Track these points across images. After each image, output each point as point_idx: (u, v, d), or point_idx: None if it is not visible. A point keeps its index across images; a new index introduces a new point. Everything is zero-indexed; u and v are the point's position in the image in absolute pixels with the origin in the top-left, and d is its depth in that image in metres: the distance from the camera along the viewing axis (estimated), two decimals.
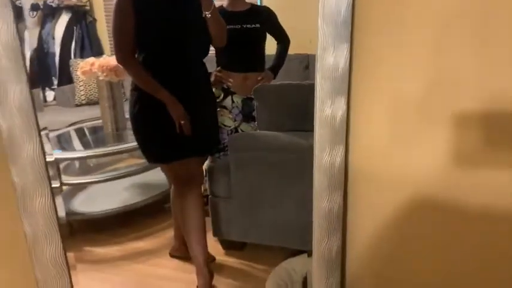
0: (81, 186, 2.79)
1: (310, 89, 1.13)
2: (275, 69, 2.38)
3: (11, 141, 0.98)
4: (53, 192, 1.05)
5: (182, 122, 1.70)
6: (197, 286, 1.87)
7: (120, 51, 1.68)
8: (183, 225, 1.93)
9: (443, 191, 1.02)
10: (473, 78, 0.94)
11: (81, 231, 2.57)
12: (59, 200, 1.24)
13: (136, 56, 1.73)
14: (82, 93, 3.94)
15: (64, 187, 2.60)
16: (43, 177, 1.02)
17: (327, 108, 1.06)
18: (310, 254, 1.20)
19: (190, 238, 1.89)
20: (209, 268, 1.90)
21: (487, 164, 0.95)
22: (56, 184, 1.14)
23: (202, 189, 2.33)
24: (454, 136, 0.98)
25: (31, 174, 1.01)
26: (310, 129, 1.18)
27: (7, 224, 1.10)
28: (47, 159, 1.05)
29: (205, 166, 2.21)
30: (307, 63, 3.60)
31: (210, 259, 2.22)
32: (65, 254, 1.08)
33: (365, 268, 1.23)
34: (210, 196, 2.19)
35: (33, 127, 1.00)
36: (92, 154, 2.64)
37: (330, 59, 1.02)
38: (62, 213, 1.18)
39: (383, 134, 1.09)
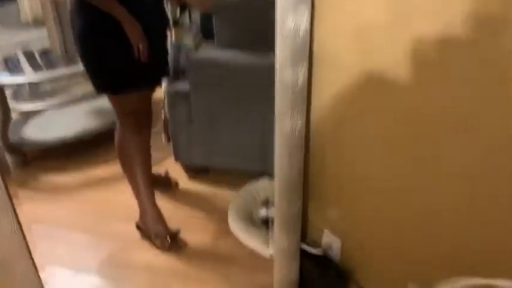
0: (33, 113, 2.63)
1: (271, 5, 1.03)
2: None
3: None
4: None
5: (140, 45, 1.50)
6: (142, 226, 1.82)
7: None
8: (128, 166, 1.75)
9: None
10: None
11: (36, 160, 2.46)
12: None
13: None
14: (27, 11, 3.62)
15: (14, 114, 2.45)
16: None
17: (289, 20, 0.97)
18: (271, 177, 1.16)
19: (138, 180, 1.74)
20: (157, 208, 1.79)
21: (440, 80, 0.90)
22: None
23: (162, 115, 2.24)
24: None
25: None
26: (271, 48, 1.09)
27: None
28: None
29: (163, 90, 2.10)
30: None
31: (173, 184, 2.18)
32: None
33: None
34: (169, 121, 2.11)
35: None
36: (44, 77, 2.45)
37: None
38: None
39: (347, 48, 1.02)
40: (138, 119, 1.67)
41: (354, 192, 1.17)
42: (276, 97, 1.06)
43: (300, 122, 1.06)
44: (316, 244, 1.31)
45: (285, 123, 1.06)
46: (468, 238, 0.97)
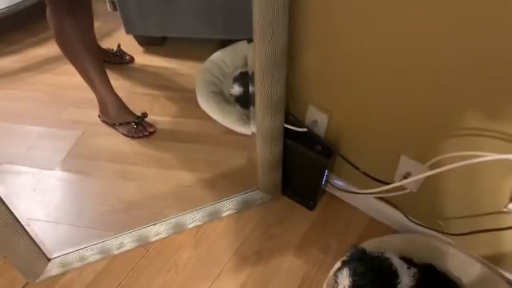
0: None
1: None
2: None
3: None
4: None
5: None
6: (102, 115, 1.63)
7: None
8: (73, 56, 1.45)
9: None
10: None
11: None
12: None
13: None
14: None
15: None
16: None
17: None
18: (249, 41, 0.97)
19: (87, 69, 1.48)
20: (116, 95, 1.59)
21: None
22: None
23: None
24: None
25: None
26: None
27: None
28: None
29: None
30: None
31: (128, 58, 1.97)
32: None
33: None
34: None
35: None
36: None
37: None
38: None
39: None
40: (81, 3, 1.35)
41: (343, 59, 1.03)
42: None
43: None
44: (298, 121, 1.21)
45: None
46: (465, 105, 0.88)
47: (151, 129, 1.58)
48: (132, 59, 1.97)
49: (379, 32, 0.90)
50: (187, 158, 1.53)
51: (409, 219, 1.21)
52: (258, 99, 1.06)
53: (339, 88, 1.09)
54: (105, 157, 1.55)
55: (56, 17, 1.34)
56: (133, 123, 1.56)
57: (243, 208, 1.33)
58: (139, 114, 1.60)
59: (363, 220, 1.32)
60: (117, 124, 1.58)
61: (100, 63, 1.50)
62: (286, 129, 1.17)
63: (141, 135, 1.57)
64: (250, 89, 1.09)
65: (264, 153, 1.19)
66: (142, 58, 2.00)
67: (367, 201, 1.30)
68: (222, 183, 1.43)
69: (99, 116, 1.63)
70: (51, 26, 1.36)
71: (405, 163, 1.10)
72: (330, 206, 1.36)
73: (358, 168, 1.17)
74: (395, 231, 1.28)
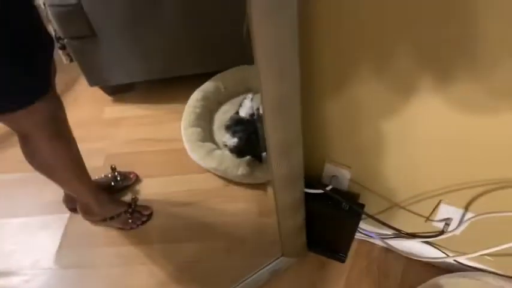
0: None
1: None
2: None
3: None
4: None
5: None
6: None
7: None
8: (58, 181, 1.21)
9: None
10: None
11: None
12: None
13: None
14: None
15: None
16: None
17: None
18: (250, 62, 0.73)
19: (73, 186, 1.26)
20: (102, 193, 1.36)
21: None
22: None
23: (52, 31, 1.69)
24: None
25: None
26: None
27: None
28: None
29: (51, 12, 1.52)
30: None
31: (133, 178, 1.56)
32: None
33: None
34: (66, 40, 1.60)
35: None
36: None
37: None
38: None
39: None
40: (60, 122, 1.08)
41: (363, 113, 0.90)
42: None
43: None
44: (316, 181, 1.08)
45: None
46: None
47: (147, 212, 1.39)
48: (136, 176, 1.55)
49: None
50: (192, 225, 1.37)
51: (454, 260, 1.11)
52: (275, 180, 0.92)
53: (361, 142, 0.96)
54: (101, 241, 1.38)
55: (33, 145, 1.06)
56: (127, 214, 1.37)
57: (270, 279, 1.20)
58: (130, 200, 1.42)
59: (400, 262, 1.22)
60: (108, 219, 1.37)
61: (87, 177, 1.27)
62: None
63: (139, 223, 1.37)
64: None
65: (286, 225, 1.07)
66: (113, 110, 1.82)
67: (403, 243, 1.19)
68: (239, 250, 1.28)
69: (83, 217, 1.40)
70: (26, 155, 1.09)
71: (445, 210, 0.99)
72: (362, 253, 1.25)
73: (394, 228, 1.06)
74: (436, 268, 1.18)
